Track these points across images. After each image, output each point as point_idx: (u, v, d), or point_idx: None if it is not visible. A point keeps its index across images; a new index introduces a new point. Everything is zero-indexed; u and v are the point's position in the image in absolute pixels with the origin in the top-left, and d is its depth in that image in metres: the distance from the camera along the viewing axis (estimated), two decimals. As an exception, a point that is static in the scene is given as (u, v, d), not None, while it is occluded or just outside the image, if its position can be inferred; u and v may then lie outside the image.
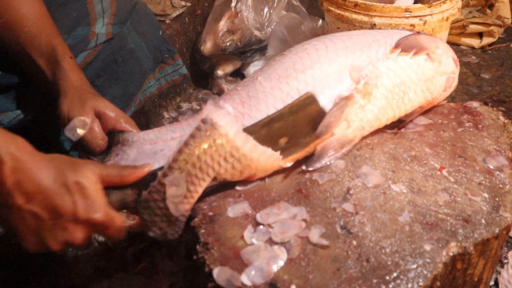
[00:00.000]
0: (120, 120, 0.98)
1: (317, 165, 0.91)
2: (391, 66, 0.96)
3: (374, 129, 0.98)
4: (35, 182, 0.75)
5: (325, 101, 0.92)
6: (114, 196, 0.84)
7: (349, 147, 0.93)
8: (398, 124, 1.02)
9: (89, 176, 0.79)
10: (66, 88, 0.97)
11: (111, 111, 0.98)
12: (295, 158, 0.90)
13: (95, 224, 0.80)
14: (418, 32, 1.07)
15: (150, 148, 0.92)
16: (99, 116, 0.97)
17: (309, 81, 0.93)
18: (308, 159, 0.91)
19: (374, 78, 0.93)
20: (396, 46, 0.97)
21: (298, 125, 0.90)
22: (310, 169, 0.90)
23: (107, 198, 0.82)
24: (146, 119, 1.70)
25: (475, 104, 1.09)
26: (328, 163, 0.91)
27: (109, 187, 0.84)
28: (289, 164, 0.90)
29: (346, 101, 0.91)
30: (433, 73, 1.00)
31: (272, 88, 0.93)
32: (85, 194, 0.78)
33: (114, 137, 0.97)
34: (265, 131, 0.89)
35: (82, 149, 0.97)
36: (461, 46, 2.32)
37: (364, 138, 0.98)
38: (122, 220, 0.83)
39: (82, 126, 0.94)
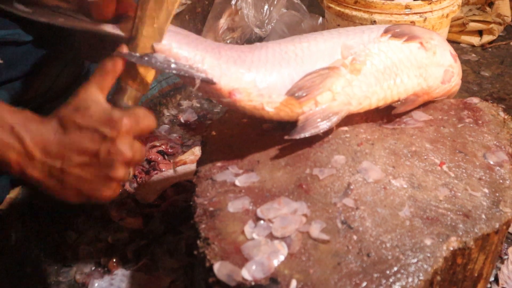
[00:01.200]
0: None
1: (301, 135, 0.90)
2: (382, 47, 0.97)
3: (364, 108, 0.98)
4: (53, 141, 0.77)
5: (312, 68, 0.93)
6: (118, 97, 0.85)
7: (335, 120, 0.92)
8: (396, 118, 1.03)
9: (87, 99, 0.79)
10: None
11: None
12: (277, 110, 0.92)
13: (127, 130, 0.79)
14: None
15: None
16: None
17: (304, 49, 0.95)
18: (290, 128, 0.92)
19: (363, 56, 0.95)
20: (386, 31, 0.99)
21: None
22: (292, 138, 0.90)
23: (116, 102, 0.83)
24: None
25: (475, 100, 1.09)
26: (310, 134, 0.91)
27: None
28: (270, 109, 0.92)
29: (329, 70, 0.92)
30: (428, 62, 1.00)
31: (273, 45, 0.96)
32: (94, 117, 0.78)
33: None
34: None
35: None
36: (461, 44, 2.32)
37: (364, 133, 0.98)
38: (142, 110, 0.82)
39: None
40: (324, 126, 0.91)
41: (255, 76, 0.90)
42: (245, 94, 0.89)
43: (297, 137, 0.90)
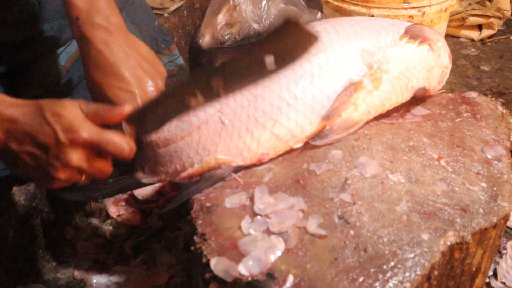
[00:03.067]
0: None
1: (323, 141, 0.93)
2: (399, 52, 0.97)
3: (378, 114, 0.99)
4: (18, 125, 0.80)
5: (337, 85, 0.92)
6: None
7: (355, 129, 0.95)
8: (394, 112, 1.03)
9: (67, 106, 0.80)
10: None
11: None
12: (304, 140, 0.92)
13: (85, 143, 0.80)
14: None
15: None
16: None
17: (322, 65, 0.93)
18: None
19: (385, 63, 0.95)
20: (406, 32, 0.99)
21: None
22: (315, 143, 0.92)
23: None
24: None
25: (473, 94, 1.09)
26: (333, 141, 0.93)
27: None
28: (298, 145, 0.92)
29: (355, 86, 0.92)
30: (433, 63, 1.01)
31: (285, 69, 0.92)
32: (61, 119, 0.80)
33: None
34: None
35: None
36: (460, 39, 2.31)
37: (361, 128, 0.98)
38: (116, 135, 0.82)
39: None
40: (345, 134, 0.94)
41: (271, 130, 0.90)
42: (271, 151, 0.91)
43: (322, 143, 0.93)
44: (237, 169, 0.87)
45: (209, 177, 0.85)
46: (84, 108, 0.82)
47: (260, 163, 0.91)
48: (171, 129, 0.91)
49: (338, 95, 0.91)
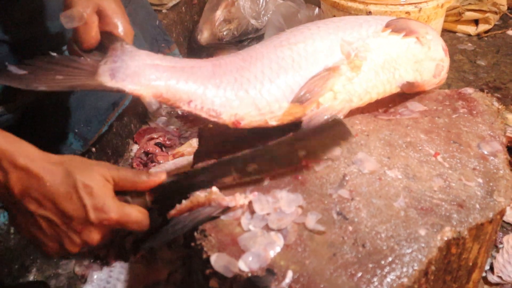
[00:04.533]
0: (119, 26, 0.96)
1: (314, 121, 0.92)
2: (381, 42, 0.98)
3: (364, 103, 0.99)
4: (42, 187, 0.76)
5: (315, 71, 0.93)
6: (131, 201, 0.85)
7: (339, 117, 0.94)
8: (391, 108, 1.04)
9: (98, 179, 0.79)
10: None
11: (114, 15, 0.96)
12: (280, 119, 0.93)
13: (110, 224, 0.80)
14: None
15: (152, 67, 0.91)
16: (100, 14, 0.95)
17: (301, 52, 0.95)
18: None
19: (363, 51, 0.95)
20: (387, 25, 1.00)
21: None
22: (306, 124, 0.92)
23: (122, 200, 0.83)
24: (144, 109, 1.71)
25: (469, 90, 1.10)
26: (323, 121, 0.93)
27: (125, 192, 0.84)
28: (273, 123, 0.93)
29: (330, 71, 0.93)
30: (423, 56, 1.02)
31: (268, 53, 0.96)
32: (94, 196, 0.78)
33: (112, 41, 0.94)
34: None
35: (74, 42, 0.95)
36: (457, 33, 2.32)
37: (359, 125, 0.99)
38: (138, 212, 0.83)
39: (78, 18, 0.93)
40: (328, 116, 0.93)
41: (253, 98, 0.91)
42: (247, 118, 0.91)
43: (312, 124, 0.92)
44: (227, 210, 0.83)
45: (196, 216, 0.83)
46: (116, 177, 0.82)
47: (233, 126, 0.91)
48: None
49: (310, 78, 0.92)
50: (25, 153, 0.77)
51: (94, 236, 0.80)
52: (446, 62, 1.06)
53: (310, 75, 0.93)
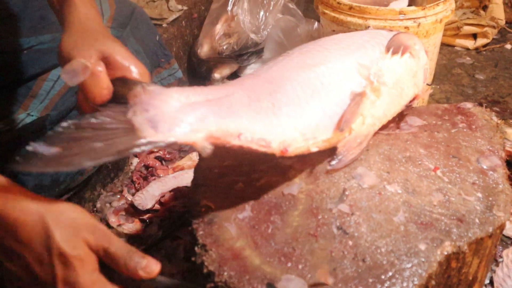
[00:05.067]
0: (132, 69, 0.82)
1: (342, 164, 0.92)
2: (389, 64, 0.99)
3: (381, 126, 1.00)
4: (16, 240, 0.70)
5: (341, 96, 0.92)
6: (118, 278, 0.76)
7: (365, 143, 0.95)
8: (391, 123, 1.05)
9: (79, 247, 0.70)
10: (70, 23, 0.84)
11: (123, 57, 0.82)
12: (320, 146, 0.89)
13: None
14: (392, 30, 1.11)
15: (191, 106, 0.79)
16: (106, 60, 0.82)
17: (326, 75, 0.92)
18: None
19: (381, 76, 0.96)
20: (388, 48, 1.00)
21: None
22: (335, 167, 0.92)
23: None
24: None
25: (468, 105, 1.11)
26: (351, 162, 0.93)
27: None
28: (314, 149, 0.88)
29: (360, 96, 0.93)
30: (416, 68, 1.03)
31: (292, 74, 0.91)
32: (68, 268, 0.70)
33: (130, 86, 0.79)
34: None
35: (84, 99, 0.82)
36: (455, 47, 2.34)
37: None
38: None
39: (82, 70, 0.79)
40: (358, 151, 0.94)
41: (295, 123, 0.85)
42: (293, 145, 0.84)
43: (341, 166, 0.92)
44: None
45: None
46: (101, 250, 0.72)
47: (280, 155, 0.84)
48: None
49: (348, 106, 0.91)
50: (5, 196, 0.70)
51: None
52: (428, 63, 1.09)
53: (340, 98, 0.91)
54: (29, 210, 0.70)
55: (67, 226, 0.71)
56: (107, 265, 0.74)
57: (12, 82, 1.08)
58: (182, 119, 0.76)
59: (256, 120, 0.81)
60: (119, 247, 0.73)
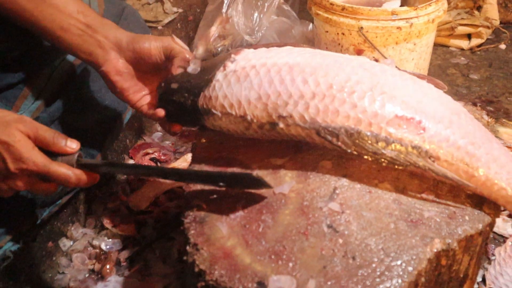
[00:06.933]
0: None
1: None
2: None
3: None
4: None
5: None
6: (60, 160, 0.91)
7: None
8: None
9: (14, 134, 0.85)
10: (123, 37, 1.01)
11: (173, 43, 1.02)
12: None
13: (32, 173, 0.87)
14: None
15: None
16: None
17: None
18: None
19: None
20: None
21: None
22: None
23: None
24: (139, 124, 1.72)
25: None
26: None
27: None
28: None
29: None
30: None
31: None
32: (11, 150, 0.85)
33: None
34: None
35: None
36: (450, 48, 2.34)
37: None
38: (63, 168, 0.89)
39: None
40: None
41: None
42: None
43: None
44: None
45: None
46: (33, 133, 0.87)
47: None
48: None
49: None
50: None
51: (19, 184, 0.88)
52: None
53: None
54: None
55: (1, 127, 0.86)
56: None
57: (3, 84, 1.09)
58: None
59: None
60: (45, 130, 0.89)
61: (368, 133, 0.84)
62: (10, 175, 0.87)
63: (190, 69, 1.00)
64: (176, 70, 1.00)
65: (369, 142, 0.85)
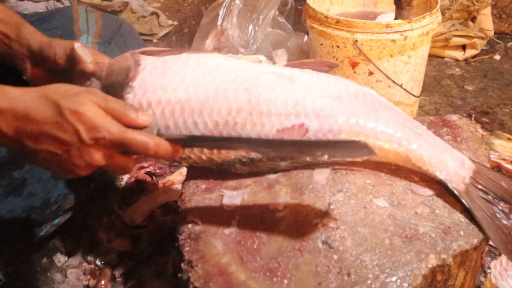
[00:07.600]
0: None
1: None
2: None
3: None
4: (32, 124, 0.79)
5: None
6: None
7: None
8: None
9: (85, 103, 0.80)
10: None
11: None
12: None
13: (108, 143, 0.82)
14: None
15: None
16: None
17: None
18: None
19: None
20: None
21: None
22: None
23: None
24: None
25: (454, 117, 1.11)
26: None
27: None
28: None
29: None
30: None
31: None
32: (83, 120, 0.80)
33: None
34: None
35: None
36: (445, 59, 2.36)
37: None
38: (143, 135, 0.84)
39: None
40: None
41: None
42: None
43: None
44: None
45: None
46: (103, 104, 0.82)
47: None
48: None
49: None
50: (4, 95, 0.79)
51: (95, 156, 0.82)
52: None
53: None
54: (30, 98, 0.80)
55: (67, 94, 0.81)
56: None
57: None
58: None
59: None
60: (116, 102, 0.84)
61: (259, 156, 0.92)
62: (86, 147, 0.81)
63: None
64: (81, 80, 0.99)
65: (263, 161, 0.93)
